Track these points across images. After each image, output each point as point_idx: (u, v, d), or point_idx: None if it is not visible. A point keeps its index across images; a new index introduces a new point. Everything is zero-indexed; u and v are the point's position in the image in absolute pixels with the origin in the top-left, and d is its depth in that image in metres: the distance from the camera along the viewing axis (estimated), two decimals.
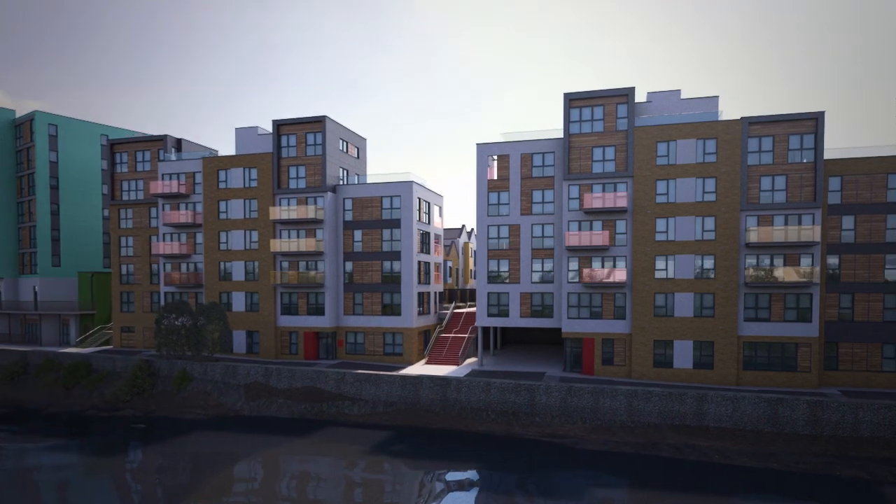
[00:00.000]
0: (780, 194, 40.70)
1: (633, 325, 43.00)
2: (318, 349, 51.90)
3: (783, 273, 39.73)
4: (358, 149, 57.06)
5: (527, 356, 53.75)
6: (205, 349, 47.30)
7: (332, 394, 42.32)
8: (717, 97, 44.57)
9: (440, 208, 58.21)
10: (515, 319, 47.10)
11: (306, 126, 51.10)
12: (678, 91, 45.46)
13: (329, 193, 50.72)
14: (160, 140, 58.15)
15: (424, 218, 53.45)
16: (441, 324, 57.14)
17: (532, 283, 46.72)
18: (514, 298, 47.09)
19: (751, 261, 41.11)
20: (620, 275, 42.90)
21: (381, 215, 50.86)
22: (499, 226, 47.57)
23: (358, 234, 51.40)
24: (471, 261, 71.50)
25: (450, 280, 62.55)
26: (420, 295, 51.94)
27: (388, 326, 50.50)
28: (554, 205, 46.18)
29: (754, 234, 39.97)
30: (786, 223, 40.58)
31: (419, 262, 51.90)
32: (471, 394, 39.18)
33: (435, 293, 56.16)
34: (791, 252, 40.60)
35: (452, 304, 58.77)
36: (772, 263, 40.79)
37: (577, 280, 44.61)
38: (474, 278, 75.79)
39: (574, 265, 44.77)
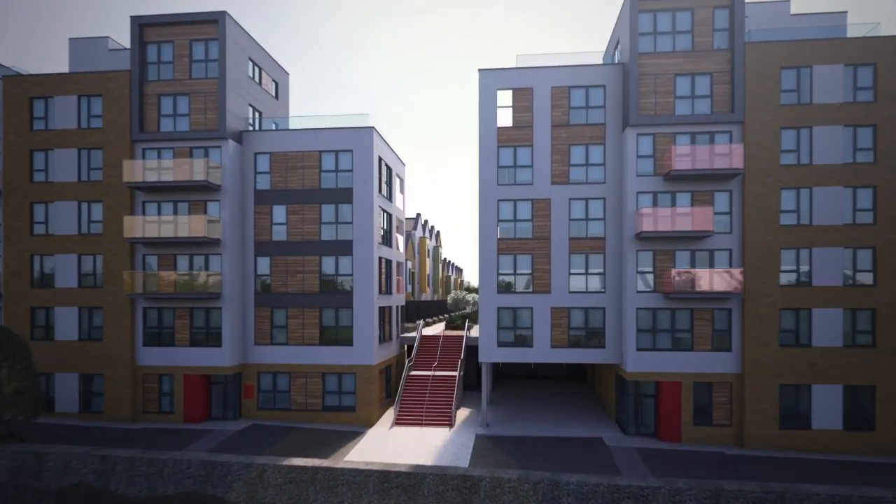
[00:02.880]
0: None
1: (746, 361, 26.71)
2: (208, 403, 31.09)
3: None
4: (277, 84, 36.85)
5: (543, 404, 36.05)
6: None
7: None
8: (844, 13, 29.65)
9: (402, 181, 39.39)
10: (544, 351, 29.32)
11: (191, 29, 30.38)
12: (787, 3, 30.07)
13: (230, 143, 30.34)
14: None
15: (385, 190, 34.37)
16: (408, 355, 38.16)
17: (570, 292, 29.22)
18: (540, 318, 29.32)
19: None
20: (724, 280, 26.50)
21: (319, 182, 31.20)
22: (515, 201, 29.67)
23: (280, 213, 31.37)
24: (428, 262, 53.20)
25: (408, 286, 44.04)
26: (381, 311, 32.75)
27: (333, 363, 30.85)
28: (606, 168, 29.04)
29: None
30: None
31: (381, 260, 32.75)
32: None
33: (398, 308, 37.14)
34: None
35: (420, 324, 39.95)
36: None
37: (651, 288, 27.68)
38: (430, 286, 57.57)
39: (646, 264, 27.82)
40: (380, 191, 32.44)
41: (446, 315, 63.61)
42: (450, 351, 36.87)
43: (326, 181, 31.02)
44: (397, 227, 37.55)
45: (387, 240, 34.45)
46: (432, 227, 61.05)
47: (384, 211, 33.62)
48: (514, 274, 29.71)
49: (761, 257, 26.66)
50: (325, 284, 30.93)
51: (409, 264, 43.49)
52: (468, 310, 62.86)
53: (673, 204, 27.58)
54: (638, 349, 27.57)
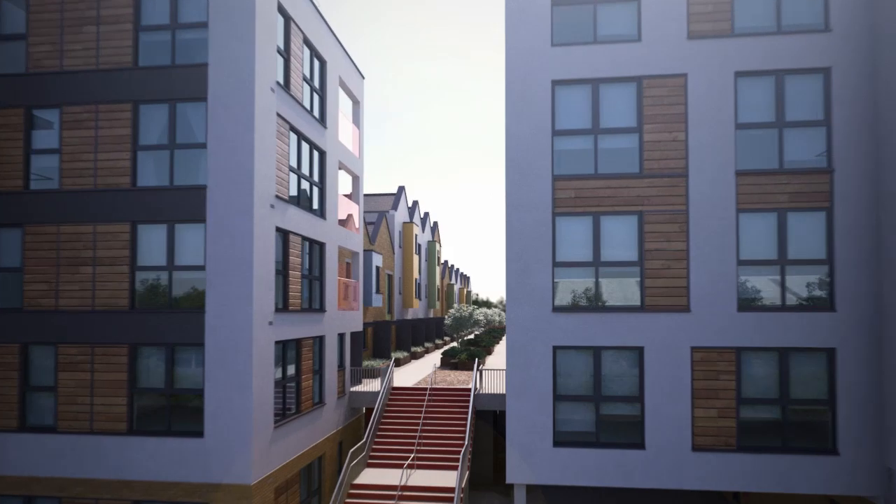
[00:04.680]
0: None
1: None
2: None
3: None
4: None
5: None
6: None
7: None
8: None
9: (358, 107, 21.76)
10: (674, 462, 11.32)
11: None
12: None
13: None
14: None
15: (306, 95, 16.64)
16: (365, 435, 20.31)
17: (740, 309, 11.31)
18: (663, 374, 11.40)
19: None
20: None
21: (133, 54, 13.45)
22: (595, 84, 11.92)
23: (45, 124, 13.63)
24: (417, 262, 35.41)
25: (377, 297, 26.32)
26: (286, 351, 14.85)
27: (159, 479, 12.91)
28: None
29: None
30: None
31: (285, 238, 14.87)
32: None
33: (345, 339, 19.33)
34: None
35: (389, 365, 21.82)
36: None
37: None
38: (424, 298, 39.66)
39: None
40: (285, 85, 14.81)
41: (443, 340, 45.51)
42: (443, 420, 18.94)
43: (150, 51, 13.38)
44: (350, 194, 19.97)
45: (306, 199, 16.76)
46: (426, 214, 43.50)
47: (300, 136, 15.94)
48: (594, 265, 11.95)
49: None
50: (145, 293, 13.20)
51: (380, 259, 25.67)
52: (477, 332, 44.84)
53: None
54: None
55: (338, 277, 19.06)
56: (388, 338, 27.72)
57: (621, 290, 11.96)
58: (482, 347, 33.65)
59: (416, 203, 37.84)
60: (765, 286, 11.60)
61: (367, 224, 27.85)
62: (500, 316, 58.44)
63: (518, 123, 12.27)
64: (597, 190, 12.02)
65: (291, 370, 15.22)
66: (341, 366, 19.37)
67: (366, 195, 36.74)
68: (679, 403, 11.60)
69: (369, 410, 22.41)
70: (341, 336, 19.44)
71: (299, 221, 15.45)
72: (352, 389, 20.26)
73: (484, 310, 43.33)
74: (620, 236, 11.98)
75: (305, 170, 16.28)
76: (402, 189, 34.29)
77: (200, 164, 13.16)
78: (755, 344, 11.50)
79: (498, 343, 47.74)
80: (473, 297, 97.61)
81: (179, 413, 13.07)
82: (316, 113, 17.07)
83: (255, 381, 12.72)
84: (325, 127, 17.46)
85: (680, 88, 11.88)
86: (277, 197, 14.03)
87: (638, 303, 11.90)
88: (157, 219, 13.15)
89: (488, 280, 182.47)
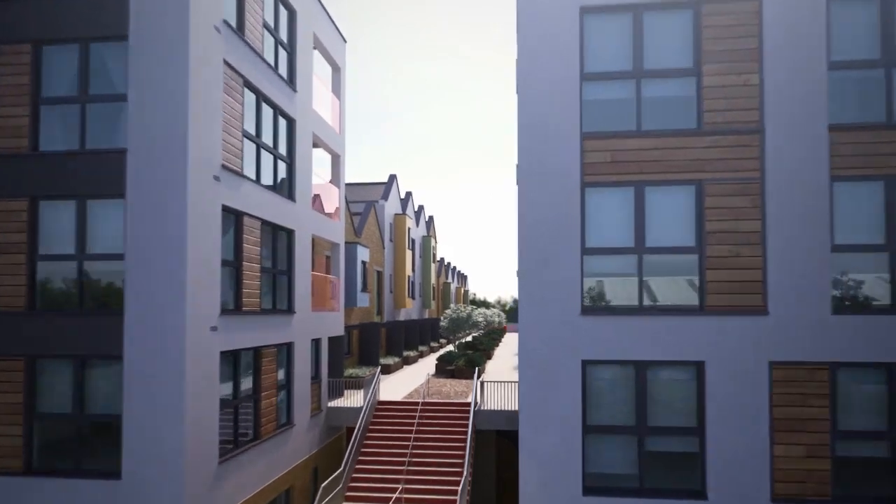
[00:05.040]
0: None
1: None
2: None
3: None
4: None
5: None
6: None
7: None
8: None
9: (339, 74, 18.71)
10: None
11: None
12: None
13: None
14: None
15: (262, 37, 13.55)
16: (349, 444, 17.24)
17: (835, 312, 8.28)
18: (749, 397, 8.34)
19: None
20: None
21: None
22: (629, 14, 8.81)
23: None
24: (410, 258, 32.40)
25: (363, 297, 23.30)
26: (238, 361, 11.79)
27: None
28: None
29: None
30: None
31: (239, 220, 11.81)
32: None
33: (313, 347, 16.28)
34: None
35: (375, 374, 18.80)
36: None
37: None
38: (418, 297, 36.56)
39: None
40: (238, 28, 11.76)
41: (439, 342, 42.48)
42: (438, 442, 15.91)
43: None
44: (330, 179, 17.91)
45: (270, 175, 13.71)
46: (420, 206, 40.48)
47: (261, 97, 12.88)
48: (637, 252, 8.92)
49: None
50: (48, 290, 10.14)
51: (366, 254, 22.63)
52: (475, 334, 41.86)
53: None
54: None
55: (312, 272, 16.03)
56: (376, 342, 24.68)
57: (673, 285, 8.97)
58: (481, 351, 30.65)
59: (409, 194, 34.80)
60: (870, 280, 8.62)
61: (352, 215, 24.80)
62: (499, 317, 55.46)
63: (534, 67, 9.26)
64: (640, 152, 9.02)
65: (247, 386, 12.19)
66: (316, 377, 16.34)
67: (354, 184, 33.65)
68: (753, 438, 8.61)
69: (351, 429, 19.37)
70: (316, 342, 16.40)
71: (259, 201, 12.42)
72: (330, 405, 17.23)
73: (483, 310, 40.33)
74: (672, 214, 8.99)
75: (269, 139, 13.24)
76: (393, 178, 31.24)
77: (120, 122, 10.12)
78: (857, 358, 8.52)
79: (497, 345, 44.73)
80: (471, 297, 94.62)
81: (91, 447, 10.03)
82: (283, 72, 14.03)
83: (189, 405, 9.69)
84: (294, 90, 14.42)
85: (752, 15, 8.88)
86: (226, 168, 11.00)
87: (696, 302, 8.91)
88: (63, 193, 10.11)
89: (487, 280, 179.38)
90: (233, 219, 11.61)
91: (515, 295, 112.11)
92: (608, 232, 9.12)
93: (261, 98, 12.78)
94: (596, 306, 9.13)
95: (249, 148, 12.30)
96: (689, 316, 8.85)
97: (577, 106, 9.13)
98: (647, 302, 9.03)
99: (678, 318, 8.86)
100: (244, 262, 11.83)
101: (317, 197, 17.16)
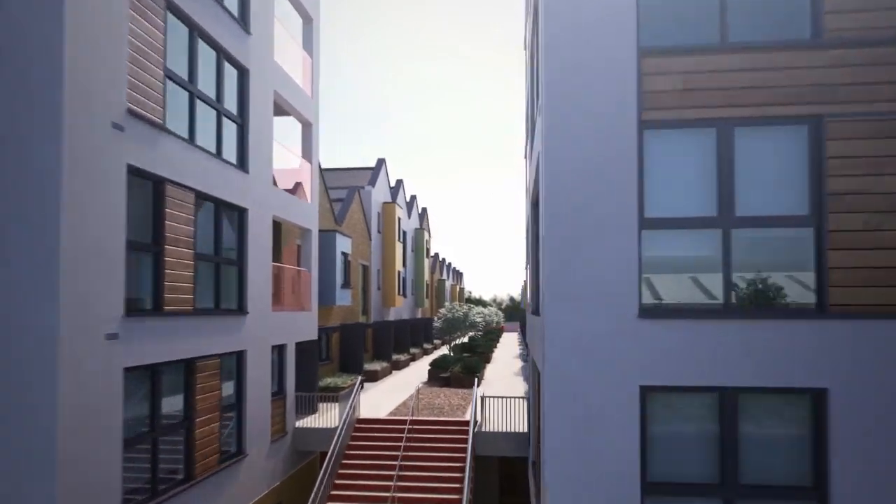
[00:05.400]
0: None
1: None
2: None
3: None
4: None
5: None
6: None
7: None
8: None
9: (312, 25, 15.62)
10: None
11: None
12: None
13: None
14: None
15: None
16: (311, 497, 14.10)
17: None
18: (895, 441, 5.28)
19: None
20: None
21: None
22: None
23: None
24: (400, 252, 29.33)
25: (344, 294, 20.34)
26: (142, 384, 8.74)
27: None
28: None
29: None
30: None
31: (149, 184, 8.74)
32: None
33: (276, 355, 13.23)
34: None
35: (354, 385, 15.78)
36: None
37: None
38: (409, 295, 33.40)
39: None
40: None
41: (433, 344, 39.44)
42: (429, 470, 12.93)
43: None
44: (302, 153, 13.86)
45: (210, 135, 10.66)
46: (412, 197, 37.38)
47: (194, 29, 9.84)
48: (723, 225, 5.85)
49: None
50: None
51: (347, 244, 19.58)
52: (473, 336, 38.91)
53: None
54: None
55: (274, 263, 12.99)
56: (361, 345, 21.68)
57: (777, 275, 6.00)
58: (479, 354, 27.69)
59: (399, 182, 31.77)
60: None
61: (332, 201, 21.73)
62: (497, 315, 52.52)
63: None
64: (727, 76, 6.04)
65: (174, 411, 9.16)
66: (280, 392, 13.31)
67: (336, 169, 30.53)
68: None
69: (325, 453, 16.37)
70: (279, 349, 13.36)
71: (192, 167, 9.37)
72: (298, 425, 14.22)
73: (481, 309, 37.34)
74: (775, 167, 6.01)
75: (208, 89, 10.19)
76: (381, 162, 28.20)
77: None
78: None
79: (495, 346, 41.77)
80: (467, 296, 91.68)
81: None
82: (230, 5, 10.97)
83: (64, 447, 6.65)
84: (247, 31, 11.37)
85: None
86: (135, 115, 7.95)
87: (812, 300, 5.94)
88: None
89: (482, 277, 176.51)
90: (149, 186, 8.57)
91: (511, 293, 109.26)
92: (678, 197, 6.14)
93: (195, 31, 9.72)
94: (661, 306, 6.15)
95: (176, 94, 9.25)
96: (802, 320, 5.88)
97: (632, 7, 6.14)
98: (735, 300, 6.06)
99: (786, 324, 5.89)
100: (167, 246, 8.79)
101: (290, 176, 14.12)
